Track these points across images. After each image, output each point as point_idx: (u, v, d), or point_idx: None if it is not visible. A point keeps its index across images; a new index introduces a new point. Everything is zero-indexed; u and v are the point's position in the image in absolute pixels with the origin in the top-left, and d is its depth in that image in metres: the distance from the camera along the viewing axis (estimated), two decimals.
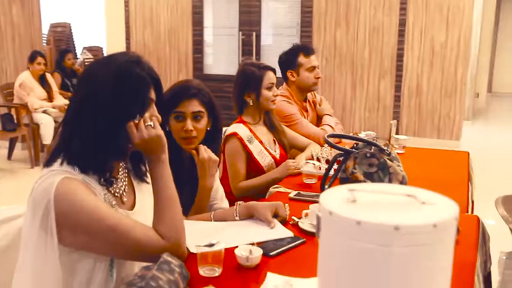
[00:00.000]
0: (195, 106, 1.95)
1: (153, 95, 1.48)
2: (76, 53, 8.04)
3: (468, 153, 2.94)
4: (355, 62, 6.71)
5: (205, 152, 1.97)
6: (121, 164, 1.55)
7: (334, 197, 1.14)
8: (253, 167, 2.59)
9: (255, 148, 2.59)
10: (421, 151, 3.09)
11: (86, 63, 7.52)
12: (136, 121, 1.43)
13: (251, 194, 2.47)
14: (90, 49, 7.93)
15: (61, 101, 5.88)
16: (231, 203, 2.15)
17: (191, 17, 7.31)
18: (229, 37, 7.27)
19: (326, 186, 2.20)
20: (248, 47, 7.12)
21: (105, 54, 7.99)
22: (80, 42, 8.21)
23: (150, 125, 1.45)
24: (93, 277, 1.42)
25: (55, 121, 5.66)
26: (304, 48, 3.14)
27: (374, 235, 1.02)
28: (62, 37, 7.95)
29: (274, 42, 7.15)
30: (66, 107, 5.64)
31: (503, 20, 11.78)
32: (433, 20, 6.33)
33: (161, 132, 1.47)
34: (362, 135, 2.80)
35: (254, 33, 7.04)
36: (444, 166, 2.69)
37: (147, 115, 1.46)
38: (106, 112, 1.39)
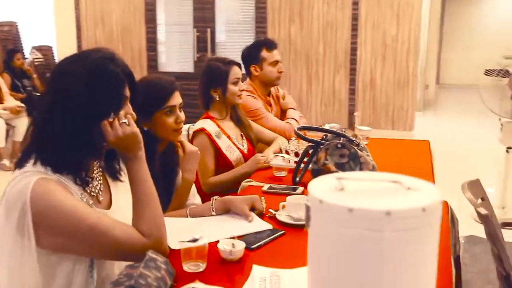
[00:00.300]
0: (179, 97, 1.99)
1: (127, 92, 1.46)
2: (24, 52, 7.78)
3: (429, 142, 3.04)
4: (310, 57, 6.78)
5: (192, 146, 2.00)
6: (95, 162, 1.52)
7: (322, 186, 1.16)
8: (222, 163, 2.59)
9: (223, 143, 2.59)
10: (384, 141, 3.17)
11: (35, 63, 7.28)
12: (111, 120, 1.41)
13: (221, 190, 2.47)
14: (39, 48, 7.68)
15: (12, 102, 5.68)
16: (202, 199, 2.15)
17: (144, 14, 7.20)
18: (183, 34, 7.21)
19: (298, 178, 2.23)
20: (203, 44, 7.08)
21: (55, 54, 7.77)
22: (28, 42, 7.94)
23: (125, 122, 1.42)
24: (73, 279, 1.40)
25: (7, 123, 5.47)
26: (267, 42, 3.16)
27: (366, 221, 1.04)
28: (8, 37, 7.66)
29: (229, 38, 7.14)
30: (18, 108, 5.51)
31: (448, 14, 12.19)
32: (384, 15, 6.47)
33: (136, 129, 1.45)
34: (326, 127, 2.83)
35: (208, 30, 7.01)
36: (408, 155, 2.77)
37: (121, 113, 1.43)
38: (80, 110, 1.36)
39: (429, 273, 1.12)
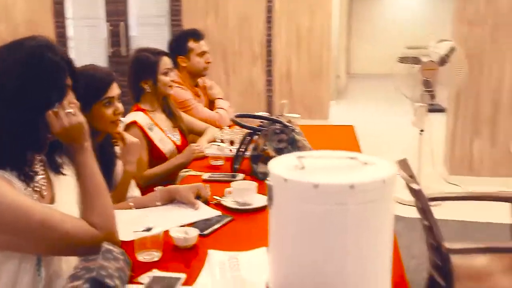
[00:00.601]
0: (118, 88, 1.94)
1: (69, 80, 1.41)
2: None
3: (353, 126, 3.17)
4: (227, 49, 6.81)
5: (132, 137, 1.95)
6: (37, 156, 1.46)
7: (283, 165, 1.19)
8: (156, 155, 2.55)
9: (156, 136, 2.55)
10: (312, 128, 3.26)
11: None
12: (55, 110, 1.36)
13: (157, 182, 2.43)
14: None
15: None
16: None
17: (52, 8, 6.88)
18: (94, 28, 6.97)
19: (237, 165, 2.25)
20: (116, 38, 6.89)
21: None
22: None
23: (71, 112, 1.38)
24: (18, 278, 1.33)
25: None
26: (194, 33, 3.15)
27: (331, 195, 1.08)
28: None
29: (143, 32, 6.98)
30: None
31: (355, 7, 12.72)
32: (298, 6, 6.63)
33: (82, 119, 1.41)
34: None
35: (121, 24, 6.83)
36: (337, 139, 2.88)
37: (65, 102, 1.38)
38: (21, 102, 1.31)
39: (389, 241, 1.19)
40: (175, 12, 6.75)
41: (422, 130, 4.25)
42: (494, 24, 4.36)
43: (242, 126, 2.23)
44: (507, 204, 2.25)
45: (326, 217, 1.10)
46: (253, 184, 1.86)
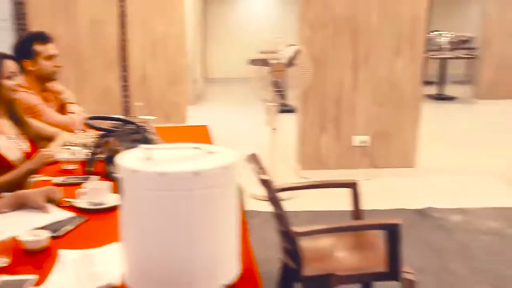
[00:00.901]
0: None
1: None
2: None
3: (206, 126, 3.28)
4: (79, 54, 6.58)
5: None
6: None
7: (131, 158, 1.24)
8: (2, 164, 2.42)
9: (1, 144, 2.42)
10: (167, 129, 3.31)
11: None
12: None
13: (5, 190, 2.32)
14: None
15: None
16: None
17: None
18: None
19: (90, 168, 2.23)
20: None
21: None
22: None
23: None
24: None
25: None
26: (40, 36, 3.03)
27: (177, 183, 1.15)
28: None
29: None
30: None
31: (209, 13, 12.98)
32: (151, 11, 6.62)
33: None
34: None
35: None
36: (192, 138, 2.94)
37: None
38: None
39: (234, 226, 1.29)
40: (20, 15, 6.38)
41: (274, 129, 4.50)
42: (333, 29, 4.76)
43: (96, 128, 2.22)
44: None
45: (173, 203, 1.17)
46: (106, 184, 1.86)
